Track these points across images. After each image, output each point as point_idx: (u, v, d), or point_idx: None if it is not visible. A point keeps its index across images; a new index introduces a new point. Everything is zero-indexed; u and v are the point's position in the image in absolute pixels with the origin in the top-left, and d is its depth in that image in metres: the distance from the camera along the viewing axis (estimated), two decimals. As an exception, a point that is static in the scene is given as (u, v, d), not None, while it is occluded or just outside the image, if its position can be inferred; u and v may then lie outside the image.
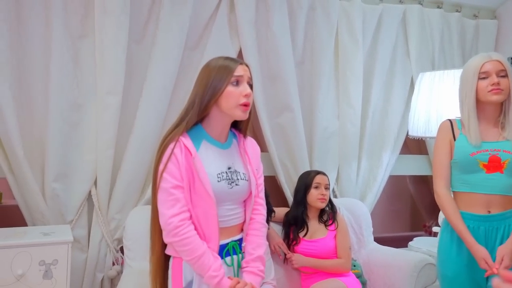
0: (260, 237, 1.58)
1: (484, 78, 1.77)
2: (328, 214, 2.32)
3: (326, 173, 2.76)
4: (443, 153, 1.83)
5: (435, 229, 2.66)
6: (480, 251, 1.70)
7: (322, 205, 2.28)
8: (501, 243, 1.73)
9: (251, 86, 1.53)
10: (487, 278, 1.74)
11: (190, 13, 2.46)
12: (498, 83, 1.74)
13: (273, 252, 2.30)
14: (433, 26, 3.13)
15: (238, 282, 1.45)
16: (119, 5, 2.24)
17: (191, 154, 1.45)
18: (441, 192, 1.81)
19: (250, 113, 1.55)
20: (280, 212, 2.38)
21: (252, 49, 2.63)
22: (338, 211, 2.37)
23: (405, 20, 3.09)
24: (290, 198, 2.69)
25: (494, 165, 1.74)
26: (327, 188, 2.32)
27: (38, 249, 1.84)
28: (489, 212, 1.76)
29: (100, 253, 2.30)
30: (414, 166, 3.32)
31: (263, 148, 2.79)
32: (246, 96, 1.48)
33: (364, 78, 2.93)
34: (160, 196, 1.44)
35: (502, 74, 1.77)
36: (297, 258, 2.25)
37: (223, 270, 1.45)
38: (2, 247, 1.80)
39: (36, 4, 2.19)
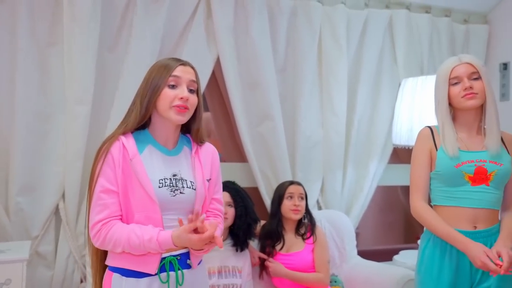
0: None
1: (456, 83, 1.66)
2: (306, 227, 2.22)
3: (310, 184, 2.67)
4: (421, 164, 1.69)
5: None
6: (477, 247, 1.53)
7: (296, 216, 2.18)
8: None
9: (195, 91, 1.43)
10: None
11: (165, 19, 2.39)
12: (470, 87, 1.62)
13: (255, 265, 2.21)
14: (421, 31, 3.04)
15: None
16: (88, 12, 2.18)
17: (129, 155, 1.36)
18: (417, 204, 1.67)
19: (196, 117, 1.46)
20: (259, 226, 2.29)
21: (231, 57, 2.55)
22: (317, 223, 2.27)
23: (391, 25, 3.00)
24: (271, 210, 2.58)
25: (480, 177, 1.62)
26: (302, 198, 2.21)
27: (-11, 267, 1.74)
28: (475, 228, 1.62)
29: (68, 270, 2.20)
30: (404, 175, 3.17)
31: (243, 158, 2.71)
32: (182, 99, 1.37)
33: (349, 85, 2.84)
34: (92, 200, 1.36)
35: (475, 76, 1.64)
36: (275, 267, 2.14)
37: (158, 228, 1.34)
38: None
39: (1, 11, 2.13)
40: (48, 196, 2.19)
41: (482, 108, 1.68)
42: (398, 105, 2.44)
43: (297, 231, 2.22)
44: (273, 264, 2.15)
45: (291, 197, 2.20)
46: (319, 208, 2.79)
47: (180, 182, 1.41)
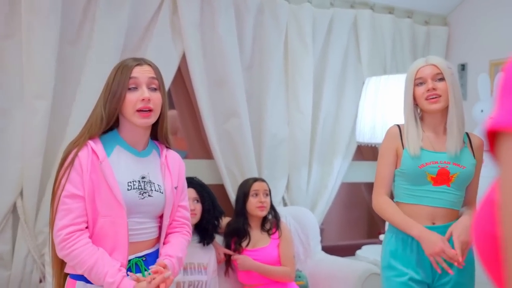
0: (182, 248, 1.47)
1: (420, 84, 1.69)
2: (271, 223, 2.23)
3: (276, 181, 2.69)
4: (387, 162, 1.72)
5: (381, 237, 2.60)
6: (434, 235, 1.56)
7: (262, 213, 2.20)
8: None
9: (157, 89, 1.41)
10: None
11: (129, 14, 2.34)
12: (433, 89, 1.65)
13: (220, 262, 2.21)
14: (385, 31, 3.11)
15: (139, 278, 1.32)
16: (48, 4, 2.11)
17: (98, 159, 1.34)
18: (380, 198, 1.72)
19: (161, 120, 1.44)
20: (223, 222, 2.28)
21: (197, 53, 2.53)
22: (281, 219, 2.29)
23: (356, 25, 3.05)
24: (237, 207, 2.58)
25: (442, 178, 1.66)
26: (267, 194, 2.23)
27: None
28: (433, 223, 1.67)
29: (26, 270, 2.13)
30: (367, 172, 3.26)
31: (209, 155, 2.70)
32: (143, 100, 1.35)
33: (314, 83, 2.87)
34: (56, 205, 1.34)
35: (439, 77, 1.67)
36: (243, 260, 2.14)
37: (122, 273, 1.32)
38: None
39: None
40: (5, 193, 2.11)
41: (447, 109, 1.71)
42: (362, 103, 2.49)
43: (262, 227, 2.23)
44: (241, 257, 2.15)
45: (256, 194, 2.21)
46: (285, 204, 2.81)
47: (149, 185, 1.40)
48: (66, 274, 1.40)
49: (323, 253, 2.55)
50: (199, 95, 2.55)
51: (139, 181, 1.38)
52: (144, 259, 1.39)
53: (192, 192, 2.08)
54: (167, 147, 1.52)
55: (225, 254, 2.22)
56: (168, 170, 1.46)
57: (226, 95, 2.61)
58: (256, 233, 2.22)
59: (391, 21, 3.12)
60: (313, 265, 2.44)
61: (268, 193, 2.25)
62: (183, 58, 2.54)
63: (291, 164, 2.83)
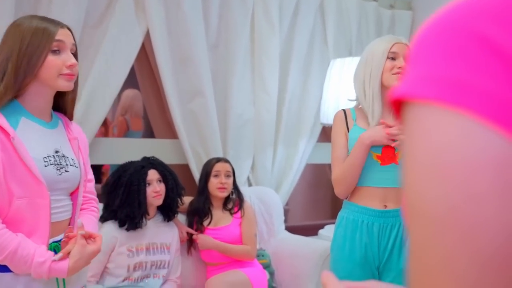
0: (93, 227, 1.37)
1: (392, 58, 1.66)
2: (234, 202, 2.25)
3: (241, 161, 2.70)
4: (339, 146, 1.70)
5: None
6: (375, 128, 1.61)
7: (222, 194, 2.21)
8: (394, 242, 1.64)
9: (75, 55, 1.30)
10: (380, 275, 1.67)
11: (90, -13, 2.26)
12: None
13: (183, 241, 2.21)
14: (350, 14, 3.13)
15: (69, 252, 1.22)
16: (2, -26, 2.01)
17: (9, 135, 1.19)
18: (336, 174, 1.68)
19: (74, 91, 1.34)
20: (186, 201, 2.28)
21: (161, 30, 2.48)
22: (245, 199, 2.31)
23: (323, 6, 3.06)
24: (201, 187, 2.58)
25: (388, 156, 1.64)
26: (228, 176, 2.23)
27: None
28: (385, 207, 1.65)
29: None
30: (332, 154, 3.32)
31: (174, 135, 2.67)
32: (71, 66, 1.25)
33: (280, 64, 2.88)
34: None
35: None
36: (203, 239, 2.15)
37: (51, 253, 1.21)
38: None
39: None
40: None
41: None
42: (327, 85, 2.51)
43: (224, 206, 2.24)
44: (201, 236, 2.16)
45: (217, 175, 2.21)
46: (250, 184, 2.83)
47: (63, 159, 1.29)
48: None
49: (286, 232, 2.60)
50: (164, 73, 2.50)
51: (53, 155, 1.27)
52: (60, 244, 1.28)
53: (154, 174, 2.06)
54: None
55: (188, 233, 2.23)
56: (78, 141, 1.38)
57: (191, 74, 2.58)
58: (218, 212, 2.23)
59: (357, 4, 3.15)
60: (276, 244, 2.48)
61: (231, 174, 2.26)
62: (147, 36, 2.48)
63: (256, 144, 2.84)
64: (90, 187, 1.43)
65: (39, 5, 2.20)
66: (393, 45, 1.67)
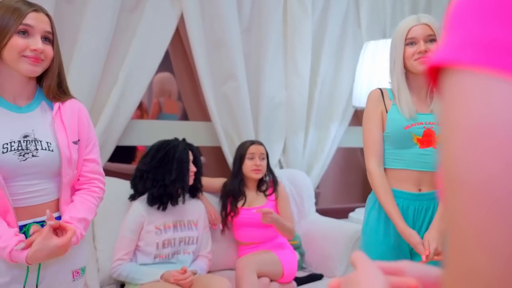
0: (86, 207, 1.33)
1: (411, 43, 1.62)
2: (268, 183, 2.28)
3: (272, 144, 2.73)
4: (374, 126, 1.65)
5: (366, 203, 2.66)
6: (414, 237, 1.56)
7: (257, 176, 2.24)
8: (428, 225, 1.62)
9: (50, 42, 1.27)
10: (412, 257, 1.66)
11: (126, -27, 2.31)
12: (425, 51, 1.59)
13: (214, 225, 2.26)
14: (385, -5, 3.08)
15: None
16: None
17: None
18: (373, 170, 1.65)
19: (49, 71, 1.29)
20: (217, 182, 2.33)
21: (195, 14, 2.51)
22: (279, 181, 2.34)
23: (357, -12, 3.01)
24: (233, 169, 2.63)
25: (428, 139, 1.61)
26: (263, 158, 2.26)
27: None
28: (420, 190, 1.63)
29: None
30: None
31: (207, 117, 2.72)
32: (34, 51, 1.21)
33: (313, 47, 2.86)
34: None
35: (431, 38, 1.60)
36: (269, 213, 2.08)
37: (19, 237, 1.20)
38: None
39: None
40: None
41: None
42: (359, 67, 2.49)
43: (258, 188, 2.28)
44: (265, 210, 2.10)
45: (252, 157, 2.24)
46: (281, 167, 2.86)
47: (33, 143, 1.25)
48: None
49: (317, 214, 2.62)
50: (197, 57, 2.54)
51: (19, 141, 1.24)
52: (45, 224, 1.24)
53: (190, 155, 2.11)
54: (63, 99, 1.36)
55: (222, 214, 2.28)
56: (62, 124, 1.31)
57: (224, 57, 2.61)
58: (251, 194, 2.28)
59: (392, -16, 3.08)
60: (306, 226, 2.51)
61: (265, 157, 2.29)
62: (181, 19, 2.52)
63: (288, 127, 2.86)
64: (92, 167, 1.39)
65: (78, -9, 2.26)
66: (410, 29, 1.61)
